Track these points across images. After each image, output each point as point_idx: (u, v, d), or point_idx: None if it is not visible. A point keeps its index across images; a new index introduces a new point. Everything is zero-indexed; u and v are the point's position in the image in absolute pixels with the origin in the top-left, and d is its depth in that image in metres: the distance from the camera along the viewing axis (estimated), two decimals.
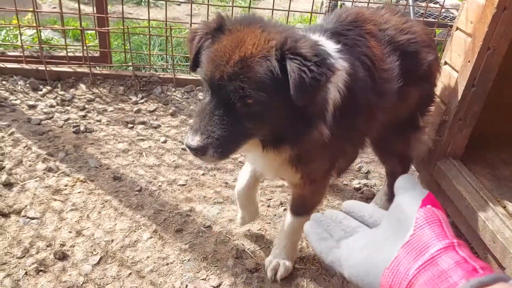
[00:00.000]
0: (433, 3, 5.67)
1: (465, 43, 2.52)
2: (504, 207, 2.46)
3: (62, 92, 3.70)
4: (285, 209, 2.76)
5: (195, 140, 1.51)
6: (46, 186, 2.69)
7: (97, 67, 4.03)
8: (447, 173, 2.62)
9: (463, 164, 2.69)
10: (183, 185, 2.87)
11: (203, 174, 2.99)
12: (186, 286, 2.16)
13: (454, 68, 2.63)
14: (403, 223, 0.79)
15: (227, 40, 1.56)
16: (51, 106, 3.52)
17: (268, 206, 2.80)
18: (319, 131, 1.68)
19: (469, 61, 2.45)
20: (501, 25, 2.32)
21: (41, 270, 2.15)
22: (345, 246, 0.91)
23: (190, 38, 1.71)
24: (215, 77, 1.52)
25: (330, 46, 1.74)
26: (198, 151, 1.53)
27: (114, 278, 2.16)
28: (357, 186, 3.08)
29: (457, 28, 2.66)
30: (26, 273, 2.12)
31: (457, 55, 2.61)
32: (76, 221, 2.47)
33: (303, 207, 2.20)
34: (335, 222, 1.00)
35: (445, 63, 2.74)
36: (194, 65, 1.69)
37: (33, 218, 2.44)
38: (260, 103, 1.51)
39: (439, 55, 2.58)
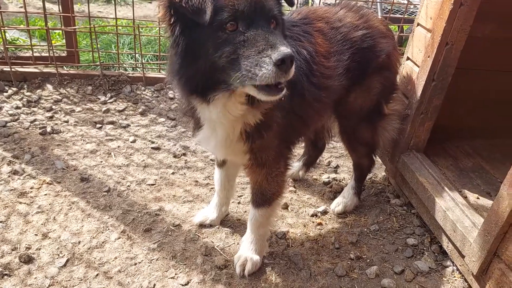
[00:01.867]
0: None
1: (425, 39, 2.59)
2: (465, 197, 2.54)
3: (28, 93, 3.63)
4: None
5: (286, 49, 1.50)
6: (11, 189, 2.64)
7: (64, 67, 3.96)
8: (410, 166, 2.69)
9: (426, 157, 2.77)
10: (152, 184, 2.86)
11: (172, 173, 2.99)
12: (154, 285, 2.16)
13: (416, 63, 2.69)
14: None
15: None
16: (17, 107, 3.45)
17: (239, 203, 2.82)
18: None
19: (429, 56, 2.52)
20: (458, 20, 2.39)
21: (5, 274, 2.11)
22: None
23: None
24: (254, 3, 1.57)
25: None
26: (293, 58, 1.52)
27: (81, 280, 2.14)
28: (326, 180, 3.13)
29: (418, 24, 2.72)
30: None
31: (418, 50, 2.67)
32: (42, 224, 2.44)
33: (262, 197, 2.22)
34: None
35: (407, 58, 2.81)
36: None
37: None
38: (279, 19, 1.70)
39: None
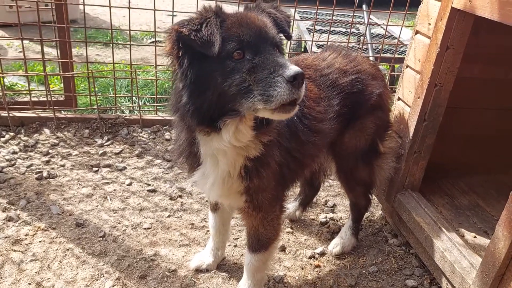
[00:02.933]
0: (391, 39, 5.93)
1: (415, 80, 2.65)
2: (463, 237, 2.53)
3: (25, 138, 3.66)
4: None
5: (296, 67, 1.56)
6: (6, 237, 2.62)
7: (62, 111, 4.01)
8: (406, 205, 2.69)
9: (422, 195, 2.77)
10: (148, 228, 2.84)
11: (168, 216, 2.98)
12: None
13: (407, 103, 2.75)
14: None
15: (236, 14, 1.76)
16: (14, 152, 3.47)
17: (235, 246, 2.79)
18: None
19: (419, 97, 2.57)
20: (445, 63, 2.46)
21: None
22: None
23: (197, 26, 1.63)
24: (258, 32, 1.67)
25: None
26: (304, 76, 1.58)
27: None
28: (324, 220, 3.11)
29: (407, 66, 2.80)
30: None
31: (408, 91, 2.73)
32: (36, 272, 2.40)
33: (258, 242, 2.21)
34: None
35: (399, 98, 2.87)
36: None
37: None
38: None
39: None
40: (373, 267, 2.68)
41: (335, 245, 2.80)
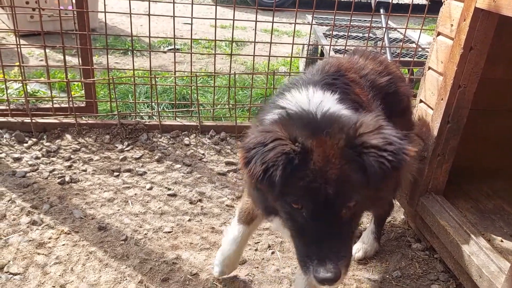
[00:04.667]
0: (410, 43, 5.89)
1: (437, 82, 2.62)
2: (489, 241, 2.48)
3: (47, 144, 3.72)
4: (273, 252, 2.75)
5: (330, 270, 1.44)
6: (30, 240, 2.66)
7: (83, 117, 4.07)
8: (430, 209, 2.65)
9: (446, 199, 2.73)
10: (169, 232, 2.85)
11: (189, 220, 2.98)
12: None
13: (429, 105, 2.71)
14: None
15: (312, 160, 1.48)
16: (36, 158, 3.53)
17: (256, 250, 2.78)
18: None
19: (442, 99, 2.54)
20: (469, 64, 2.43)
21: None
22: None
23: (261, 171, 1.45)
24: (319, 200, 1.47)
25: (331, 98, 1.82)
26: (335, 280, 1.45)
27: None
28: None
29: (429, 68, 2.77)
30: None
31: (430, 93, 2.70)
32: (59, 275, 2.43)
33: None
34: None
35: (420, 101, 2.83)
36: (281, 194, 1.51)
37: (15, 274, 2.40)
38: (359, 200, 1.54)
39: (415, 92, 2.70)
40: (397, 272, 2.64)
41: (357, 250, 2.76)
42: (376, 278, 2.58)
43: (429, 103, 2.72)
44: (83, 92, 4.22)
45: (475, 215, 2.72)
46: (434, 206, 2.66)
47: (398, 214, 3.21)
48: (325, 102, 1.74)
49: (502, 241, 2.50)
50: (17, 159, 3.46)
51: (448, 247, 2.48)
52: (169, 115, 4.45)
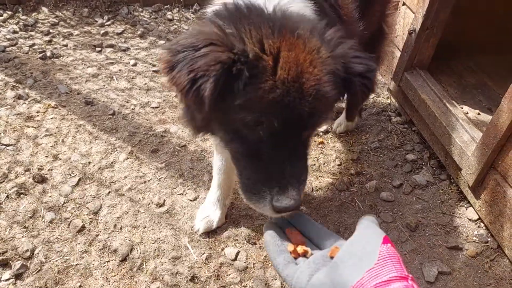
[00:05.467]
0: None
1: None
2: (466, 114, 2.57)
3: (24, 17, 3.54)
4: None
5: (291, 197, 1.23)
6: (18, 114, 2.68)
7: None
8: (413, 83, 2.68)
9: (430, 74, 2.75)
10: (156, 107, 2.89)
11: (176, 96, 3.00)
12: (164, 201, 2.27)
13: None
14: (368, 253, 0.91)
15: (281, 68, 1.20)
16: (14, 32, 3.39)
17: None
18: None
19: None
20: None
21: (21, 193, 2.22)
22: (306, 266, 1.02)
23: (208, 69, 1.14)
24: (288, 118, 1.23)
25: (309, 8, 1.56)
26: (297, 206, 1.25)
27: (94, 197, 2.25)
28: None
29: None
30: (7, 196, 2.19)
31: None
32: (51, 146, 2.51)
33: None
34: (298, 226, 1.16)
35: None
36: (211, 110, 1.20)
37: (8, 145, 2.47)
38: (326, 119, 1.38)
39: None
40: (375, 144, 2.77)
41: (338, 124, 2.86)
42: (355, 149, 2.72)
43: None
44: None
45: (456, 90, 2.78)
46: (417, 81, 2.70)
47: (381, 91, 3.26)
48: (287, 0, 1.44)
49: (479, 113, 2.60)
50: None
51: (426, 119, 2.58)
52: None
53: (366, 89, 1.36)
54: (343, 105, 3.03)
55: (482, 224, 2.29)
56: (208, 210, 2.15)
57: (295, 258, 1.08)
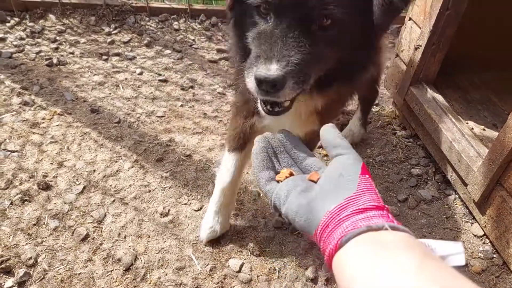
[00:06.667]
0: None
1: None
2: (472, 129, 2.57)
3: (31, 24, 3.56)
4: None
5: (272, 69, 1.22)
6: (24, 120, 2.68)
7: None
8: (419, 98, 2.69)
9: (436, 89, 2.76)
10: (162, 116, 2.89)
11: (181, 106, 3.01)
12: (169, 210, 2.26)
13: None
14: (347, 181, 0.94)
15: None
16: (21, 38, 3.40)
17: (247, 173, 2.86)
18: (371, 68, 1.58)
19: None
20: None
21: (26, 200, 2.21)
22: (285, 184, 1.04)
23: None
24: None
25: None
26: (277, 84, 1.23)
27: (99, 205, 2.24)
28: None
29: None
30: (11, 203, 2.18)
31: None
32: (56, 153, 2.50)
33: (309, 146, 2.22)
34: (287, 148, 1.13)
35: None
36: None
37: (13, 151, 2.47)
38: (339, 25, 1.30)
39: None
40: (380, 157, 2.77)
41: (345, 136, 2.86)
42: None
43: None
44: None
45: (462, 105, 2.79)
46: (423, 95, 2.71)
47: (386, 104, 3.27)
48: None
49: (484, 129, 2.60)
50: (1, 39, 3.34)
51: (432, 134, 2.58)
52: None
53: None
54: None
55: (487, 240, 2.28)
56: (211, 219, 2.12)
57: (278, 182, 1.08)
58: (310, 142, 1.95)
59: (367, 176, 0.96)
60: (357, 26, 1.33)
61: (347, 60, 1.43)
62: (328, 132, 1.08)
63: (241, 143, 1.99)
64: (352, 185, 0.93)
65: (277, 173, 1.12)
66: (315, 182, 1.02)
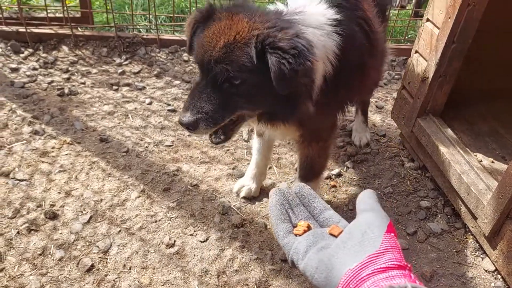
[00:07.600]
0: None
1: (446, 0, 2.53)
2: (480, 161, 2.55)
3: (44, 55, 3.65)
4: (270, 167, 2.83)
5: (186, 116, 1.69)
6: (33, 149, 2.71)
7: (79, 28, 3.95)
8: (426, 130, 2.69)
9: (443, 121, 2.76)
10: (170, 146, 2.91)
11: (189, 135, 3.03)
12: (174, 241, 2.25)
13: (436, 25, 2.64)
14: (371, 238, 0.92)
15: (215, 27, 1.69)
16: (34, 68, 3.48)
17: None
18: (305, 108, 1.84)
19: (449, 18, 2.46)
20: None
21: (32, 229, 2.21)
22: (305, 238, 1.01)
23: (187, 24, 1.86)
24: (204, 61, 1.69)
25: (327, 17, 1.82)
26: (190, 126, 1.71)
27: (105, 236, 2.23)
28: (341, 144, 3.15)
29: None
30: (18, 232, 2.18)
31: (438, 11, 2.62)
32: (64, 182, 2.52)
33: (310, 171, 2.32)
34: (304, 201, 1.13)
35: (427, 20, 2.75)
36: (190, 49, 1.85)
37: (22, 180, 2.48)
38: (246, 84, 1.67)
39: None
40: (388, 189, 2.75)
41: (359, 139, 3.06)
42: None
43: (436, 22, 2.64)
44: (77, 1, 4.05)
45: (469, 137, 2.78)
46: (430, 127, 2.70)
47: (394, 136, 3.27)
48: (307, 7, 1.85)
49: (493, 162, 2.58)
50: (15, 70, 3.42)
51: (440, 166, 2.56)
52: (167, 29, 4.32)
53: (285, 64, 1.56)
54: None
55: (499, 276, 2.23)
56: (247, 182, 2.56)
57: (296, 236, 1.06)
58: (306, 161, 2.34)
59: (392, 234, 0.93)
60: (265, 85, 1.63)
61: (270, 107, 1.81)
62: (367, 194, 1.06)
63: (259, 133, 2.46)
64: (376, 243, 0.90)
65: (294, 225, 1.09)
66: (336, 237, 0.99)
